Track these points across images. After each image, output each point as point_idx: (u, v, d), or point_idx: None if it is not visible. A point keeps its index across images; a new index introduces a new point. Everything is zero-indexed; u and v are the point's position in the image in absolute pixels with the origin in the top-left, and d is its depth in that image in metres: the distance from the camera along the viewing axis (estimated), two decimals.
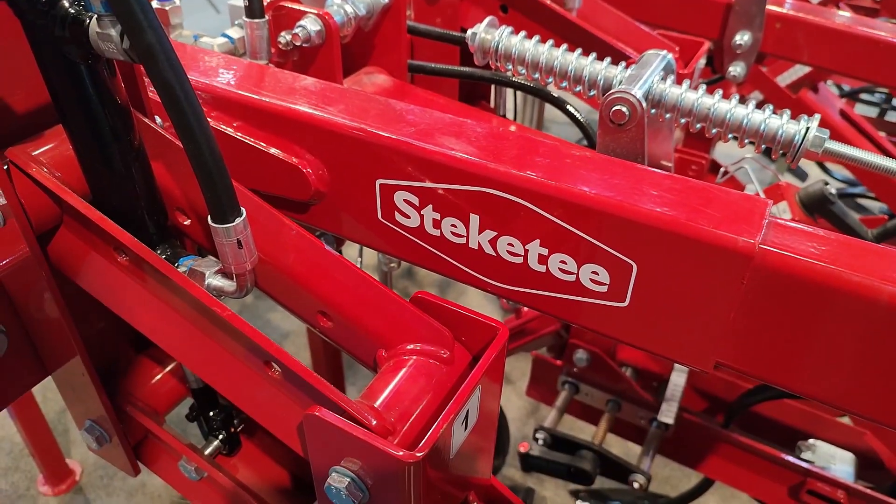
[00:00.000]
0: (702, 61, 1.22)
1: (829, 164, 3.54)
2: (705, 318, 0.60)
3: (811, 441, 1.54)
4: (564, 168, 0.64)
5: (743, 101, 0.83)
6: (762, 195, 1.28)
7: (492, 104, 1.43)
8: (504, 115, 1.43)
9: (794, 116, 0.79)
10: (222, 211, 0.60)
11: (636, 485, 1.51)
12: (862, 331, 0.55)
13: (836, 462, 1.52)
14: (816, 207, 1.21)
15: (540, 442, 1.60)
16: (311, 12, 0.90)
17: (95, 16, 0.55)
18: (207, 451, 0.89)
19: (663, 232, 0.58)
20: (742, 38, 1.51)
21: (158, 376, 0.92)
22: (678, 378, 1.60)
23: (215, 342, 0.65)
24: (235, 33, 1.02)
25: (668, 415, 1.53)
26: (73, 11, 0.56)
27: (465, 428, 0.62)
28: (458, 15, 1.33)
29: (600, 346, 1.54)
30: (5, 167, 0.65)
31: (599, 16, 1.32)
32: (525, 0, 1.26)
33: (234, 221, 0.60)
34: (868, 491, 1.46)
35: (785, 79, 1.98)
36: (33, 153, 0.68)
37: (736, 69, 1.55)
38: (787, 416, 1.60)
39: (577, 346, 1.57)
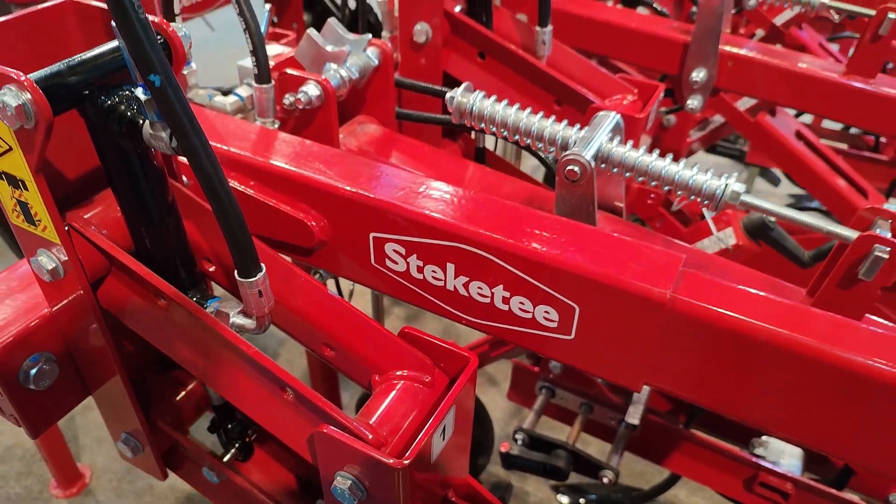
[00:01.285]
0: (656, 105, 1.37)
1: None
2: (633, 350, 0.76)
3: (763, 438, 1.71)
4: (523, 228, 0.79)
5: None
6: (711, 223, 1.44)
7: (472, 136, 1.59)
8: (485, 146, 1.59)
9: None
10: (247, 267, 0.75)
11: (605, 479, 1.67)
12: (749, 360, 0.70)
13: (785, 457, 1.68)
14: (758, 233, 1.37)
15: (519, 442, 1.75)
16: (311, 79, 1.05)
17: (148, 121, 0.69)
18: (226, 459, 1.04)
19: (597, 283, 0.73)
20: (698, 74, 1.67)
21: (183, 393, 1.06)
22: None
23: (239, 371, 0.79)
24: (244, 91, 1.16)
25: (634, 416, 1.68)
26: (129, 115, 0.70)
27: (443, 438, 0.77)
28: (440, 59, 1.48)
29: None
30: (66, 229, 0.80)
31: (567, 62, 1.47)
32: (499, 49, 1.41)
33: (255, 276, 0.75)
34: (814, 483, 1.63)
35: (744, 103, 2.14)
36: (86, 216, 0.83)
37: (693, 102, 1.71)
38: None
39: None
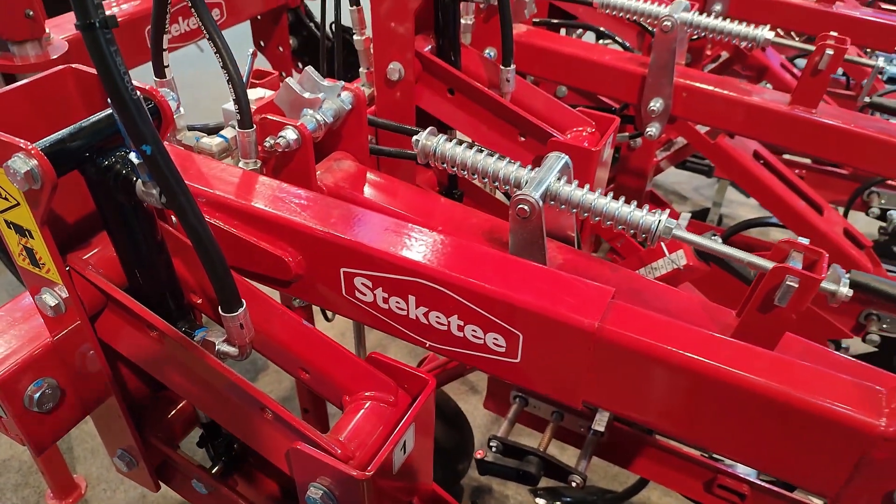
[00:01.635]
0: (611, 138, 1.48)
1: None
2: (570, 371, 0.87)
3: None
4: (474, 266, 0.90)
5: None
6: (664, 246, 1.56)
7: None
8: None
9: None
10: (229, 304, 0.85)
11: (574, 483, 1.77)
12: (667, 381, 0.81)
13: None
14: (707, 255, 1.48)
15: (493, 449, 1.86)
16: (289, 124, 1.15)
17: (141, 180, 0.79)
18: (213, 471, 1.14)
19: (536, 314, 0.84)
20: (655, 104, 1.79)
21: (173, 412, 1.16)
22: None
23: (224, 394, 0.90)
24: (229, 133, 1.26)
25: (600, 424, 1.79)
26: (124, 173, 0.81)
27: (404, 451, 0.87)
28: (412, 94, 1.59)
29: None
30: (67, 269, 0.90)
31: (530, 97, 1.58)
32: (466, 86, 1.52)
33: (237, 311, 0.85)
34: (767, 485, 1.75)
35: (704, 126, 2.26)
36: (84, 257, 0.92)
37: (651, 130, 1.83)
38: None
39: None
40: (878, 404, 0.73)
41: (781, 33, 2.41)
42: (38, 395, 0.99)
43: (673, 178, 4.31)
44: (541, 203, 1.04)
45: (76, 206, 0.94)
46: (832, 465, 0.75)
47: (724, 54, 2.66)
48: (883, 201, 2.80)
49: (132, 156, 0.79)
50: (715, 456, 1.82)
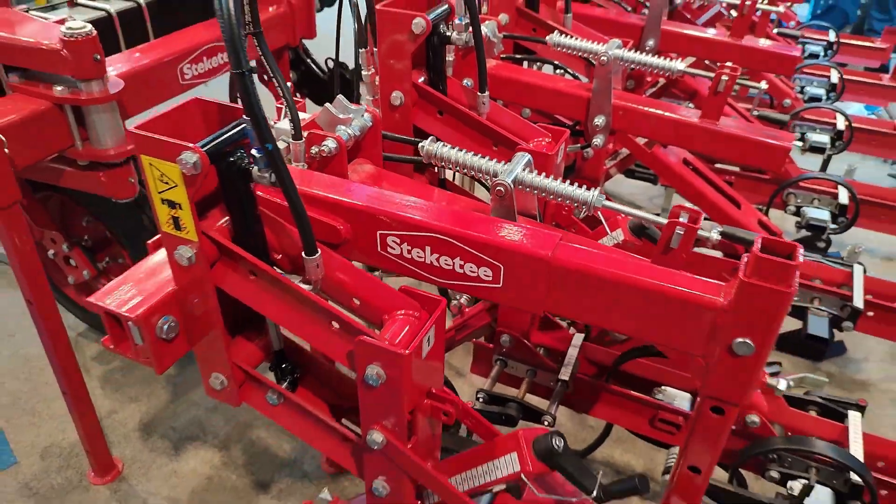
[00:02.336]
0: (564, 145, 1.97)
1: None
2: (535, 290, 1.33)
3: (662, 387, 2.29)
4: (470, 224, 1.36)
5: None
6: (606, 226, 2.04)
7: (436, 170, 2.17)
8: (445, 177, 2.17)
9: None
10: (310, 249, 1.29)
11: (546, 422, 2.22)
12: (597, 288, 1.27)
13: (678, 400, 2.27)
14: (639, 232, 1.97)
15: (480, 400, 2.30)
16: (330, 136, 1.61)
17: (257, 168, 1.24)
18: (283, 387, 1.56)
19: (512, 251, 1.30)
20: (598, 120, 2.29)
21: (250, 343, 1.59)
22: (573, 351, 2.33)
23: (305, 312, 1.33)
24: (281, 145, 1.72)
25: (565, 374, 2.25)
26: (243, 165, 1.25)
27: (428, 344, 1.32)
28: (410, 116, 2.06)
29: (517, 330, 2.27)
30: (203, 233, 1.33)
31: (501, 116, 2.07)
32: (452, 108, 2.00)
33: (315, 255, 1.30)
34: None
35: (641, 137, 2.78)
36: (207, 224, 1.36)
37: (597, 140, 2.33)
38: (646, 372, 2.34)
39: (502, 332, 2.29)
40: (719, 290, 1.20)
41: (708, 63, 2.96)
42: (165, 326, 1.41)
43: (628, 188, 4.86)
44: (512, 186, 1.51)
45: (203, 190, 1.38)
46: (697, 330, 1.22)
47: (661, 81, 3.20)
48: (798, 200, 3.35)
49: (254, 151, 1.23)
50: (657, 397, 2.29)
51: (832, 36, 4.08)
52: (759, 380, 1.94)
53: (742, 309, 1.14)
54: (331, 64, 3.34)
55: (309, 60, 3.59)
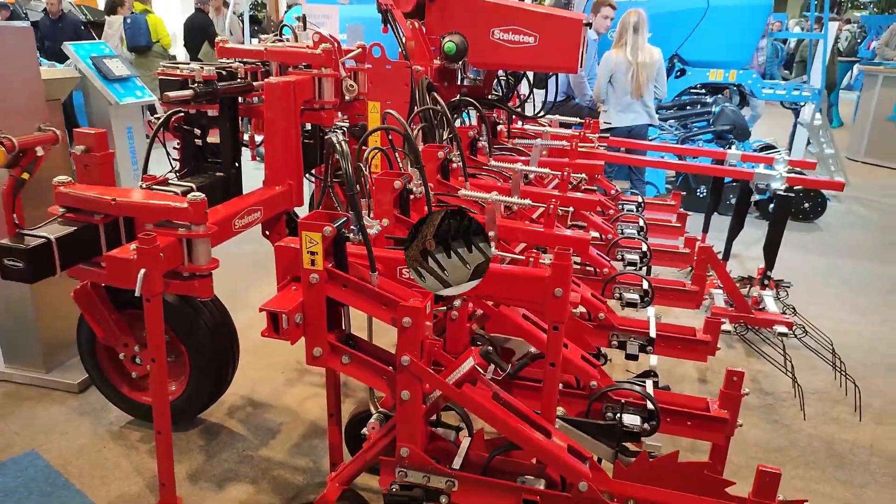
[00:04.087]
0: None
1: None
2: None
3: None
4: None
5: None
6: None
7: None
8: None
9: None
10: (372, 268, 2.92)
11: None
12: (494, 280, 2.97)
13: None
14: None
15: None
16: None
17: (351, 235, 2.89)
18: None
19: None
20: None
21: (332, 331, 3.10)
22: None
23: (370, 301, 2.92)
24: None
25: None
26: (344, 234, 2.90)
27: (432, 314, 2.93)
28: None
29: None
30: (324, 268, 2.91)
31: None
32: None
33: (373, 273, 2.92)
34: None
35: None
36: (328, 264, 2.95)
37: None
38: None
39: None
40: (543, 272, 2.91)
41: None
42: (297, 317, 2.93)
43: None
44: None
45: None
46: (538, 284, 2.91)
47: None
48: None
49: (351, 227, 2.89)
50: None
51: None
52: None
53: None
54: None
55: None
